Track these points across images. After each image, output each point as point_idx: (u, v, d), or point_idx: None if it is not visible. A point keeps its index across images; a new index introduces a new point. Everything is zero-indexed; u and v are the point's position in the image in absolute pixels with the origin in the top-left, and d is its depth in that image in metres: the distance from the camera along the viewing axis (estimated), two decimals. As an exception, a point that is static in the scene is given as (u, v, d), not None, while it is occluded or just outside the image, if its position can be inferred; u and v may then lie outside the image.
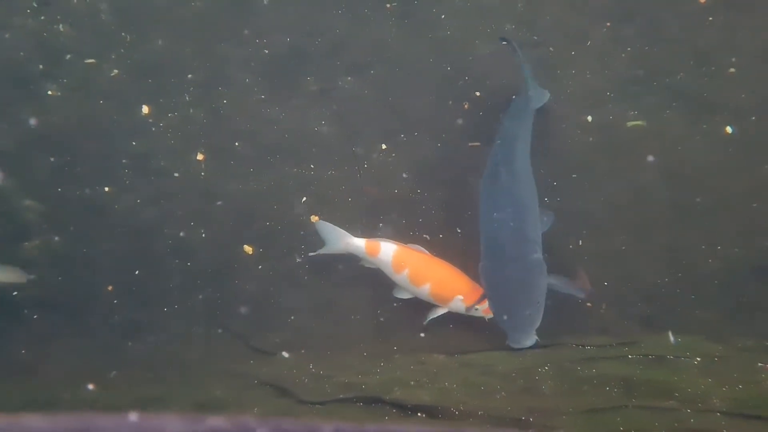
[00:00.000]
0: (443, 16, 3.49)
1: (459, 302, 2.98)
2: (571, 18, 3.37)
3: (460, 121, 3.39)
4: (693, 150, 3.23)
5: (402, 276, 2.98)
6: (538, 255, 2.91)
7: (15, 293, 3.08)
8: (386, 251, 2.98)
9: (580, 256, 3.16)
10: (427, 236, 3.22)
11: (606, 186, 3.23)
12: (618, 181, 3.23)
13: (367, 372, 2.81)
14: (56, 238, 3.19)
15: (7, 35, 3.36)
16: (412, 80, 3.46)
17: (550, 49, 3.38)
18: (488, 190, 3.03)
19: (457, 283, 3.00)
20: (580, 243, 3.20)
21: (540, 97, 3.24)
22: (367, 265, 3.10)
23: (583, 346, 2.75)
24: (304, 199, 3.26)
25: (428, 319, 3.04)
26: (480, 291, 2.99)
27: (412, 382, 2.62)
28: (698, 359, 2.39)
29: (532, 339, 2.79)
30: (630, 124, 3.23)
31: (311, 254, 3.11)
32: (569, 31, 3.37)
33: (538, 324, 2.82)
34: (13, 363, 2.97)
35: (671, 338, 2.86)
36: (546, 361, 2.55)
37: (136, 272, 3.20)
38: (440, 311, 3.03)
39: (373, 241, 3.03)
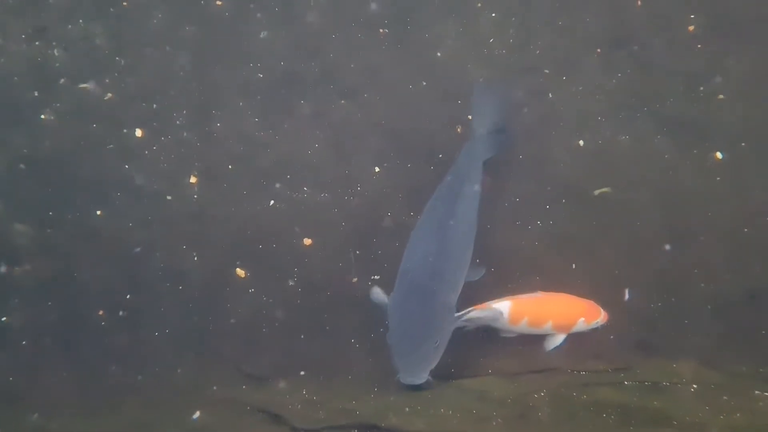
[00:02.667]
0: (436, 42, 3.55)
1: (582, 324, 2.98)
2: (563, 44, 3.43)
3: (453, 145, 3.46)
4: (684, 175, 3.25)
5: (521, 326, 2.96)
6: (450, 299, 2.86)
7: (3, 318, 3.06)
8: (501, 310, 2.92)
9: (574, 279, 3.18)
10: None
11: (597, 211, 3.24)
12: (609, 206, 3.25)
13: (361, 397, 2.78)
14: (47, 263, 3.16)
15: (1, 60, 3.38)
16: (404, 104, 3.49)
17: (546, 71, 3.42)
18: (423, 221, 3.03)
19: (575, 310, 2.98)
20: (573, 266, 3.24)
21: (496, 144, 3.24)
22: (469, 329, 3.00)
23: (578, 371, 2.75)
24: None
25: (551, 349, 2.99)
26: (596, 305, 3.00)
27: (407, 409, 2.60)
28: (694, 386, 2.38)
29: (422, 378, 2.74)
30: (597, 192, 3.25)
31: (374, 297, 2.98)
32: (561, 56, 3.42)
33: (433, 365, 2.78)
34: (2, 390, 2.92)
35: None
36: (541, 386, 2.53)
37: (127, 296, 3.17)
38: (560, 338, 3.00)
39: (484, 306, 2.95)
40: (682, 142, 3.29)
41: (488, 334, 2.99)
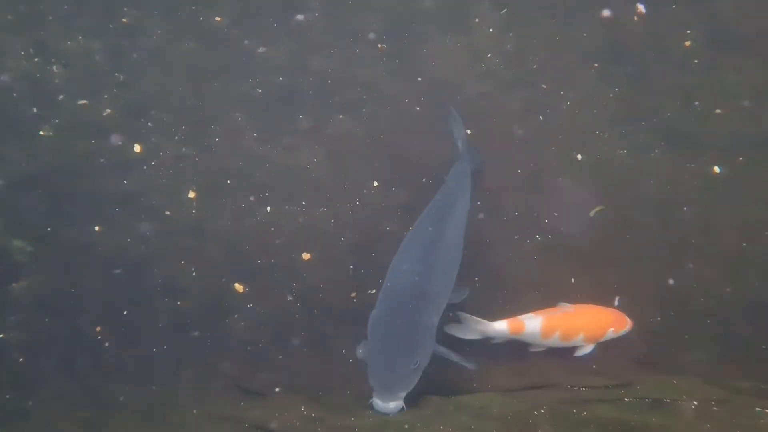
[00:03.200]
0: (433, 57, 3.57)
1: (611, 334, 3.01)
2: (560, 59, 3.46)
3: (451, 159, 3.46)
4: (682, 189, 3.26)
5: (553, 339, 2.98)
6: (433, 320, 2.81)
7: (0, 335, 3.04)
8: (533, 326, 2.95)
9: (572, 292, 3.17)
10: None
11: (596, 225, 3.25)
12: (608, 220, 3.25)
13: (360, 414, 2.76)
14: (45, 279, 3.14)
15: (3, 78, 3.38)
16: (403, 118, 3.51)
17: (543, 86, 3.44)
18: (409, 239, 3.01)
19: (604, 321, 3.01)
20: (573, 281, 3.23)
21: (475, 159, 3.28)
22: (497, 341, 3.01)
23: (578, 387, 2.73)
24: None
25: (581, 354, 3.04)
26: (623, 315, 3.02)
27: (406, 425, 2.57)
28: (695, 403, 2.37)
29: (397, 403, 2.66)
30: (592, 213, 3.25)
31: (449, 330, 2.96)
32: (558, 71, 3.45)
33: (409, 388, 2.70)
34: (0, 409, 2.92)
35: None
36: (541, 403, 2.51)
37: (125, 312, 3.16)
38: (590, 348, 3.04)
39: (515, 321, 2.98)
40: (680, 156, 3.31)
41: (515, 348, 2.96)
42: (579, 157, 3.36)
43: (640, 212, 3.24)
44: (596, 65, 3.44)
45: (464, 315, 2.99)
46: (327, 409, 2.83)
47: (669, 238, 3.19)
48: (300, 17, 3.65)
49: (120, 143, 3.37)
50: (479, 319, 2.98)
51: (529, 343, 3.03)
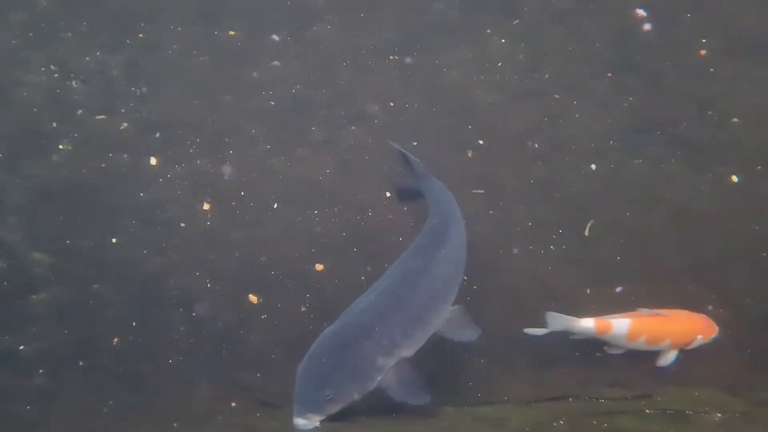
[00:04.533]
0: (445, 68, 3.58)
1: (699, 341, 2.96)
2: (573, 69, 3.46)
3: (463, 170, 3.45)
4: (700, 198, 3.24)
5: (638, 342, 2.96)
6: (376, 360, 2.62)
7: (21, 347, 3.09)
8: (620, 327, 2.93)
9: (588, 304, 3.14)
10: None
11: (611, 234, 3.23)
12: (623, 230, 3.23)
13: (375, 426, 2.75)
14: (63, 291, 3.17)
15: (24, 93, 3.44)
16: (415, 129, 3.52)
17: (556, 95, 3.43)
18: (400, 263, 2.84)
19: (693, 327, 2.97)
20: (588, 291, 3.19)
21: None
22: (577, 338, 2.99)
23: (598, 398, 2.69)
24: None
25: (664, 364, 2.98)
26: (710, 321, 2.98)
27: (421, 437, 2.57)
28: (719, 415, 2.32)
29: (306, 422, 2.54)
30: (586, 230, 3.23)
31: (529, 332, 2.95)
32: (571, 81, 3.45)
33: (324, 415, 2.59)
34: (19, 418, 2.92)
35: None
36: (560, 414, 2.48)
37: (142, 323, 3.18)
38: (674, 355, 2.99)
39: (603, 320, 2.97)
40: (697, 166, 3.29)
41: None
42: (593, 166, 3.34)
43: (656, 221, 3.21)
44: (609, 75, 3.44)
45: (556, 314, 2.95)
46: (343, 420, 2.83)
47: (686, 248, 3.15)
48: (313, 31, 3.72)
49: (136, 156, 3.42)
50: (570, 317, 2.93)
51: (609, 344, 2.99)
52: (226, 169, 3.45)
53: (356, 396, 2.65)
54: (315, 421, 2.58)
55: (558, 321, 2.95)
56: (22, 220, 3.25)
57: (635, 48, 3.46)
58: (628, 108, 3.38)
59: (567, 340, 2.94)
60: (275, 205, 3.39)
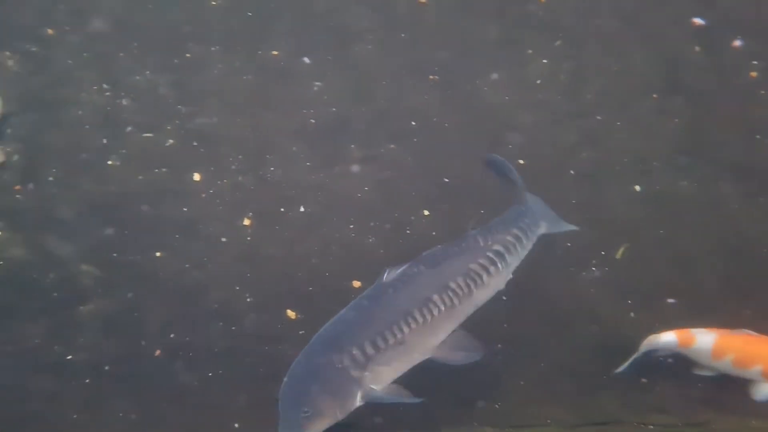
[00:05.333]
0: (486, 88, 3.61)
1: None
2: (616, 89, 3.44)
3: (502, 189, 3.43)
4: (748, 224, 3.16)
5: (724, 362, 2.79)
6: (356, 374, 2.56)
7: (69, 356, 3.20)
8: (704, 341, 2.78)
9: (633, 329, 3.06)
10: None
11: (656, 257, 3.17)
12: (670, 254, 3.16)
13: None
14: (109, 303, 3.25)
15: (79, 111, 3.57)
16: (454, 148, 3.53)
17: (598, 117, 3.42)
18: (405, 272, 2.73)
19: None
20: (632, 315, 3.13)
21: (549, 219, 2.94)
22: (662, 355, 2.91)
23: (646, 424, 2.61)
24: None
25: (759, 398, 2.80)
26: None
27: (462, 458, 2.55)
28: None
29: None
30: (618, 254, 3.16)
31: (622, 369, 2.86)
32: (614, 101, 3.43)
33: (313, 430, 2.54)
34: (67, 426, 2.97)
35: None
36: (606, 440, 2.42)
37: (183, 336, 3.23)
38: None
39: (686, 333, 2.83)
40: (747, 190, 3.22)
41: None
42: (637, 188, 3.30)
43: (703, 245, 3.14)
44: (655, 96, 3.41)
45: None
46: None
47: (734, 273, 3.07)
48: (354, 50, 3.78)
49: (181, 172, 3.51)
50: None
51: (697, 363, 2.83)
52: (267, 186, 3.51)
53: (339, 413, 2.59)
54: None
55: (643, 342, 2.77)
56: (72, 233, 3.35)
57: (682, 69, 3.42)
58: (674, 129, 3.35)
59: (609, 362, 2.85)
60: (314, 222, 3.44)
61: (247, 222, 3.47)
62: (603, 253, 3.22)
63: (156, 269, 3.38)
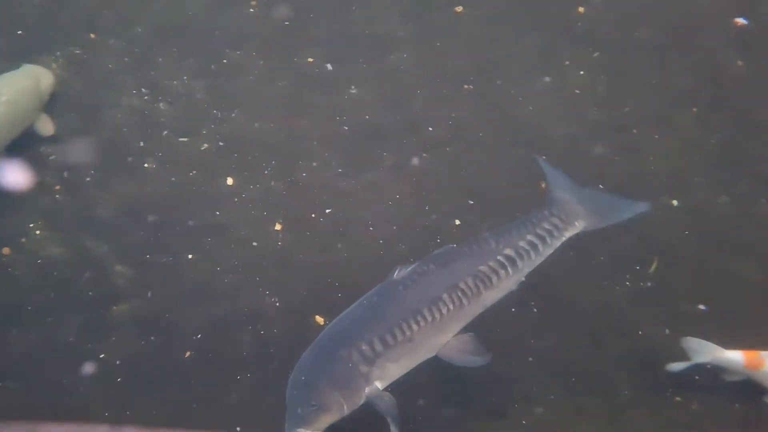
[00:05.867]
0: (521, 98, 3.57)
1: None
2: (655, 103, 3.37)
3: (536, 201, 3.40)
4: (793, 242, 3.08)
5: None
6: (364, 369, 2.58)
7: (102, 355, 3.24)
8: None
9: (666, 346, 2.99)
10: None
11: (693, 273, 3.11)
12: (707, 271, 3.09)
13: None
14: (142, 303, 3.30)
15: (118, 115, 3.64)
16: (487, 158, 3.50)
17: (635, 129, 3.35)
18: (415, 270, 2.74)
19: None
20: (667, 332, 3.06)
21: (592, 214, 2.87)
22: (730, 378, 2.83)
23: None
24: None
25: None
26: None
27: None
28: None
29: (308, 428, 2.48)
30: (652, 269, 3.10)
31: (675, 368, 2.83)
32: (653, 114, 3.36)
33: (321, 426, 2.54)
34: (98, 424, 3.01)
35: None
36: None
37: (213, 339, 3.25)
38: None
39: (753, 354, 2.74)
40: (789, 207, 3.14)
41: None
42: (674, 203, 3.23)
43: (743, 263, 3.06)
44: (695, 110, 3.34)
45: (696, 340, 2.76)
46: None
47: (777, 294, 3.00)
48: (389, 59, 3.78)
49: (214, 176, 3.55)
50: (713, 345, 2.74)
51: (763, 386, 2.70)
52: (299, 191, 3.53)
53: (345, 408, 2.60)
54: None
55: (700, 349, 2.68)
56: (107, 233, 3.41)
57: (723, 83, 3.35)
58: (714, 144, 3.28)
59: (641, 379, 2.79)
60: (343, 228, 3.44)
61: (278, 227, 3.49)
62: (637, 267, 3.17)
63: (188, 271, 3.41)
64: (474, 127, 3.55)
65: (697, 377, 2.96)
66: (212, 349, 3.25)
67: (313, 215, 3.49)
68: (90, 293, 3.30)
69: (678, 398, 2.97)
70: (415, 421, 2.94)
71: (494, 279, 2.76)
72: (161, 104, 3.69)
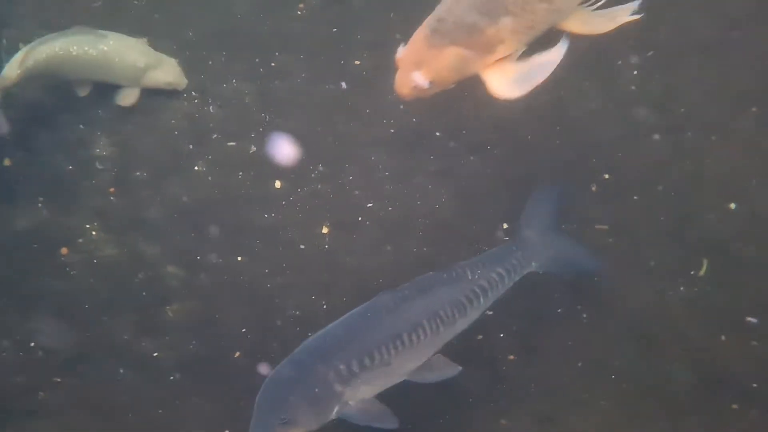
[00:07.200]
0: (570, 99, 3.49)
1: None
2: (712, 103, 3.27)
3: (586, 204, 3.34)
4: None
5: None
6: (339, 388, 2.61)
7: (155, 353, 3.31)
8: None
9: (724, 350, 2.92)
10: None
11: (755, 280, 3.01)
12: (762, 273, 3.00)
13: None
14: (193, 304, 3.36)
15: (171, 120, 3.69)
16: (536, 161, 3.46)
17: (690, 132, 3.27)
18: (398, 294, 2.80)
19: None
20: (723, 339, 2.98)
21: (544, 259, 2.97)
22: None
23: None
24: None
25: None
26: None
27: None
28: None
29: None
30: (702, 271, 3.04)
31: None
32: (709, 115, 3.26)
33: None
34: (152, 422, 3.11)
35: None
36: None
37: (261, 340, 3.29)
38: None
39: None
40: None
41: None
42: (732, 206, 3.14)
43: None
44: (755, 109, 3.22)
45: None
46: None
47: None
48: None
49: (263, 179, 3.57)
50: None
51: None
52: (345, 195, 3.54)
53: (314, 424, 2.65)
54: None
55: None
56: (159, 234, 3.48)
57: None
58: (777, 146, 3.18)
59: (696, 385, 2.71)
60: (390, 233, 3.43)
61: (325, 230, 3.50)
62: (692, 272, 3.10)
63: (237, 273, 3.45)
64: (522, 130, 3.47)
65: (755, 384, 2.90)
66: (261, 350, 3.27)
67: (359, 218, 3.50)
68: (144, 293, 3.37)
69: (735, 406, 2.91)
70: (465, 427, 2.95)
71: (468, 308, 2.86)
72: (211, 107, 3.73)
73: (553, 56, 2.50)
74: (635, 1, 2.51)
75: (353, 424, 2.66)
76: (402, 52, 2.56)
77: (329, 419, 2.68)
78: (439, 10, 2.52)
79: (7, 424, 3.10)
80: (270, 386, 2.70)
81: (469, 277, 2.89)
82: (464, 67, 2.53)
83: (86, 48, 3.53)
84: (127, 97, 3.64)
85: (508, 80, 2.56)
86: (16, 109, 3.67)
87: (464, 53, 2.47)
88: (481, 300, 2.89)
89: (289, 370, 2.71)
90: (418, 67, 2.49)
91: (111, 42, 3.57)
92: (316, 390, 2.64)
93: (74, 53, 3.53)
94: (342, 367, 2.65)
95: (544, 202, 3.08)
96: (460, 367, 2.78)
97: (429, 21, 2.52)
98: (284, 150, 3.60)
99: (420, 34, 2.51)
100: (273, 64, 3.82)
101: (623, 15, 2.53)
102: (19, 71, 3.49)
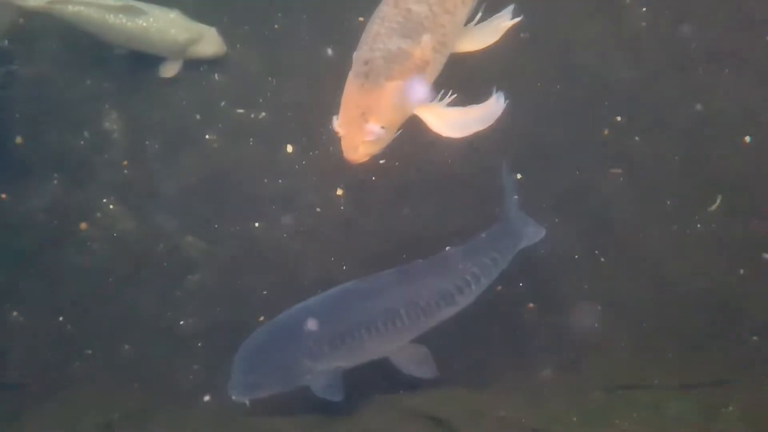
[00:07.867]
0: (577, 42, 3.43)
1: None
2: (724, 36, 3.22)
3: (599, 148, 3.33)
4: None
5: None
6: (308, 363, 2.78)
7: (182, 321, 3.36)
8: None
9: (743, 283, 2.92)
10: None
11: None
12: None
13: (522, 408, 2.74)
14: (214, 273, 3.39)
15: (179, 92, 3.63)
16: (546, 108, 3.42)
17: (702, 68, 3.23)
18: (381, 278, 2.91)
19: None
20: (742, 272, 3.00)
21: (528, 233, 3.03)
22: None
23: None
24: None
25: None
26: None
27: (574, 418, 2.53)
28: None
29: (241, 395, 2.80)
30: (714, 206, 3.04)
31: None
32: (722, 49, 3.22)
33: (257, 396, 2.81)
34: (182, 388, 3.18)
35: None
36: (727, 400, 2.35)
37: (283, 304, 3.29)
38: None
39: None
40: None
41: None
42: (747, 139, 3.13)
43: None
44: (768, 39, 3.19)
45: None
46: (486, 402, 2.84)
47: None
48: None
49: (274, 145, 3.55)
50: None
51: None
52: (358, 155, 3.57)
53: (281, 389, 2.87)
54: (244, 399, 2.86)
55: None
56: (176, 205, 3.48)
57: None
58: (791, 76, 3.13)
59: (716, 319, 2.75)
60: (406, 191, 3.42)
61: (340, 192, 3.49)
62: (709, 209, 3.11)
63: (255, 239, 3.47)
64: (531, 76, 3.42)
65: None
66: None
67: (373, 179, 3.50)
68: (165, 264, 3.39)
69: (755, 338, 2.94)
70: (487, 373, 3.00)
71: (456, 296, 2.91)
72: (216, 75, 3.67)
73: (493, 109, 2.58)
74: (509, 6, 2.62)
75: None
76: (341, 117, 2.52)
77: (297, 386, 2.85)
78: (360, 55, 2.53)
79: (47, 396, 3.16)
80: (246, 348, 2.91)
81: (460, 267, 2.95)
82: (406, 101, 2.53)
83: (124, 20, 3.48)
84: (170, 69, 3.61)
85: (445, 123, 2.59)
86: (24, 87, 3.63)
87: (402, 85, 2.48)
88: (473, 287, 2.93)
89: (265, 337, 2.90)
90: (365, 120, 2.44)
91: (151, 19, 3.52)
92: (285, 362, 2.83)
93: (110, 21, 3.46)
94: (312, 344, 2.82)
95: (510, 186, 3.13)
96: (438, 373, 2.85)
97: (355, 70, 2.51)
98: (293, 113, 3.61)
99: (352, 87, 2.49)
100: (276, 26, 3.74)
101: (504, 21, 2.64)
102: (46, 3, 3.44)
